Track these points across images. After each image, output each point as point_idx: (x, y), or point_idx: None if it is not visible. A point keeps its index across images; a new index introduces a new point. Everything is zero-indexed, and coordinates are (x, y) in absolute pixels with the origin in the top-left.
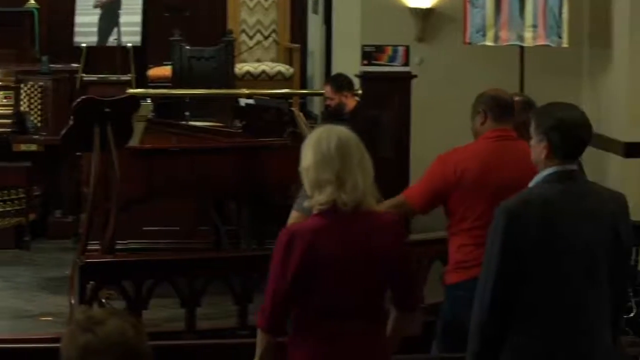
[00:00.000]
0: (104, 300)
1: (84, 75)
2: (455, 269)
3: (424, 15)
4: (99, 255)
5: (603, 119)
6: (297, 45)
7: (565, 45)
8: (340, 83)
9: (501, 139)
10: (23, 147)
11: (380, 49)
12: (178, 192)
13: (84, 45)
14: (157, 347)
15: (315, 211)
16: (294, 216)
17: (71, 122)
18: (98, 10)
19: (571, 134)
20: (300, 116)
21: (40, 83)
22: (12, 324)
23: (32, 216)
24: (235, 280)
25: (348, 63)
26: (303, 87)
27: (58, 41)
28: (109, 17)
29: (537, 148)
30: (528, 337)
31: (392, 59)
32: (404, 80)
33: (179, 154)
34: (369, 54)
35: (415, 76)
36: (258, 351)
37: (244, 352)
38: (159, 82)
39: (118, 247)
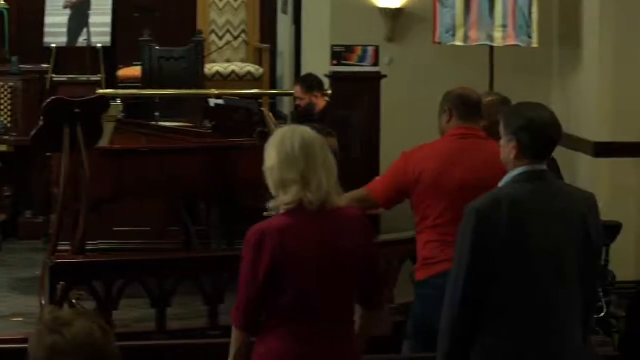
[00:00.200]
0: (74, 301)
1: (54, 75)
2: (422, 266)
3: (393, 15)
4: (69, 256)
5: (572, 118)
6: (266, 45)
7: (534, 45)
8: (310, 83)
9: (465, 137)
10: None
11: (349, 48)
12: (148, 192)
13: (53, 45)
14: (127, 347)
15: (281, 210)
16: None
17: (41, 123)
18: (68, 11)
19: (541, 133)
20: (269, 116)
21: (10, 83)
22: None
23: (2, 216)
24: (205, 280)
25: (317, 63)
26: (272, 87)
27: (27, 41)
28: (79, 18)
29: (506, 148)
30: (498, 336)
31: (361, 58)
32: (373, 80)
33: (149, 154)
34: (338, 54)
35: (385, 76)
36: (232, 350)
37: (214, 352)
38: (129, 82)
39: (88, 247)
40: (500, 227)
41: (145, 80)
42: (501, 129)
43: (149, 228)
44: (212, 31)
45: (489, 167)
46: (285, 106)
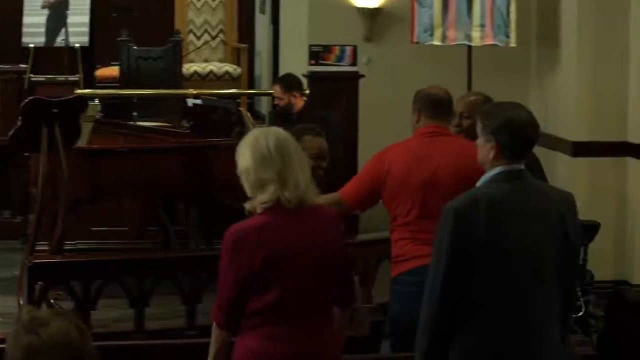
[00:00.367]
0: (52, 301)
1: (32, 75)
2: (394, 263)
3: (371, 15)
4: (47, 256)
5: (551, 118)
6: (244, 45)
7: (512, 44)
8: (290, 83)
9: (433, 135)
10: None
11: (327, 48)
12: (126, 193)
13: (31, 45)
14: (105, 348)
15: (259, 210)
16: None
17: (19, 123)
18: (46, 11)
19: (519, 133)
20: (247, 116)
21: None
22: None
23: None
24: (183, 280)
25: (295, 63)
26: (251, 87)
27: (6, 42)
28: (57, 18)
29: (484, 148)
30: (477, 336)
31: (339, 58)
32: (351, 80)
33: (127, 154)
34: (317, 54)
35: (363, 76)
36: (212, 350)
37: (193, 352)
38: (107, 82)
39: (66, 247)
40: (479, 227)
41: (123, 81)
42: (478, 129)
43: (127, 228)
44: (190, 31)
45: (455, 164)
46: (264, 106)
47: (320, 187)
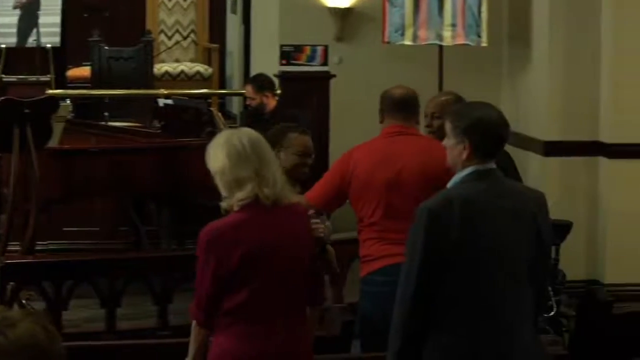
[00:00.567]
0: (24, 301)
1: (4, 76)
2: (363, 263)
3: (342, 14)
4: (18, 256)
5: (522, 118)
6: (215, 45)
7: (484, 44)
8: (262, 83)
9: (395, 135)
10: None
11: (298, 48)
12: (97, 193)
13: (3, 46)
14: (77, 348)
15: (236, 208)
16: None
17: None
18: (17, 11)
19: (490, 132)
20: (219, 116)
21: None
22: None
23: None
24: (155, 280)
25: (267, 63)
26: (222, 87)
27: None
28: (29, 18)
29: (454, 150)
30: (454, 336)
31: (310, 58)
32: (322, 80)
33: (98, 154)
34: (288, 54)
35: (334, 76)
36: (192, 348)
37: (164, 353)
38: (78, 82)
39: (38, 247)
40: (452, 227)
41: (94, 81)
42: (448, 130)
43: (98, 228)
44: (162, 31)
45: (423, 165)
46: (235, 106)
47: (305, 185)
